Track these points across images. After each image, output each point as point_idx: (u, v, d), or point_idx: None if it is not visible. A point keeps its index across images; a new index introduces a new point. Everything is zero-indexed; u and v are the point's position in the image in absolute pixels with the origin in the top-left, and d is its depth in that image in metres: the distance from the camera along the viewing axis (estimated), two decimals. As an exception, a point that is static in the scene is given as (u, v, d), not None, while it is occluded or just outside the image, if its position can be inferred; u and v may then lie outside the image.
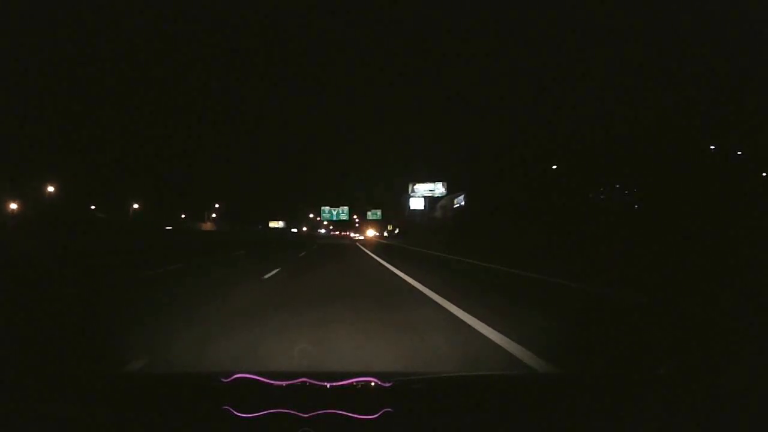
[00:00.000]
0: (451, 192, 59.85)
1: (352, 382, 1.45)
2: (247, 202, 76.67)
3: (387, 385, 1.45)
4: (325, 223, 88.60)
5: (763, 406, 1.20)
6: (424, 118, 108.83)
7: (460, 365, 3.10)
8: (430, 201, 61.93)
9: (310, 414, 1.10)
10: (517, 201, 31.85)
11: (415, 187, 61.60)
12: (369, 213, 77.46)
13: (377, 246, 28.75)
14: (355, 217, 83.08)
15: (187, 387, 1.51)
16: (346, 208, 76.20)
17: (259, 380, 1.47)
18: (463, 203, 51.62)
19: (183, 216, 56.44)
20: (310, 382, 1.40)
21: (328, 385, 1.40)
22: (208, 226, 52.92)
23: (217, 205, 55.69)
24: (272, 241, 35.39)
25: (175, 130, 67.83)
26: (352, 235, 64.14)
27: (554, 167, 35.54)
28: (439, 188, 61.57)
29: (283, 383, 1.42)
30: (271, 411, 1.13)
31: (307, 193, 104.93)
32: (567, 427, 1.17)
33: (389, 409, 1.16)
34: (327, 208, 76.28)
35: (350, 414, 1.11)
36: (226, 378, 1.46)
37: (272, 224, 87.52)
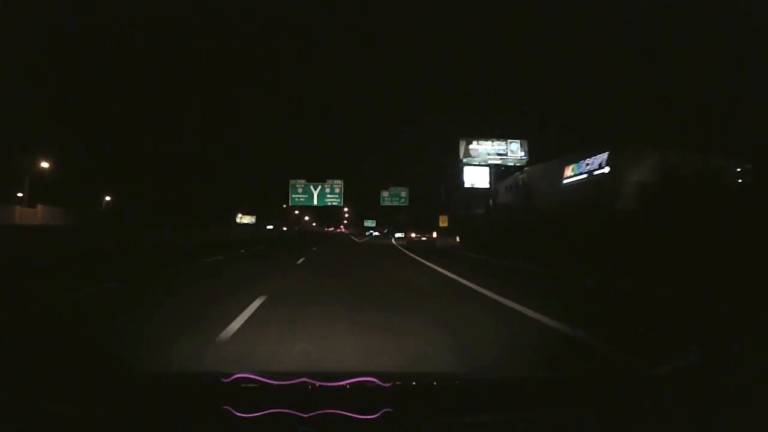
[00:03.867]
0: (534, 161, 31.05)
1: (353, 382, 1.42)
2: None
3: (387, 385, 1.43)
4: (307, 218, 56.18)
5: (763, 407, 1.21)
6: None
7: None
8: (497, 174, 32.55)
9: (310, 414, 1.11)
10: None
11: (471, 147, 31.53)
12: (385, 194, 41.44)
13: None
14: (345, 209, 47.59)
15: (187, 387, 1.49)
16: (338, 183, 37.03)
17: (259, 380, 1.44)
18: (605, 170, 22.74)
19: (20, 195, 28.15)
20: (310, 382, 1.38)
21: (328, 385, 1.38)
22: (39, 213, 24.75)
23: (45, 164, 26.14)
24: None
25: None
26: (413, 236, 31.92)
27: None
28: (515, 150, 31.55)
29: (283, 383, 1.42)
30: (271, 411, 1.14)
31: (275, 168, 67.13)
32: (566, 428, 1.18)
33: (389, 409, 1.17)
34: (301, 183, 36.52)
35: (350, 414, 1.13)
36: (226, 378, 1.43)
37: (241, 219, 60.38)
